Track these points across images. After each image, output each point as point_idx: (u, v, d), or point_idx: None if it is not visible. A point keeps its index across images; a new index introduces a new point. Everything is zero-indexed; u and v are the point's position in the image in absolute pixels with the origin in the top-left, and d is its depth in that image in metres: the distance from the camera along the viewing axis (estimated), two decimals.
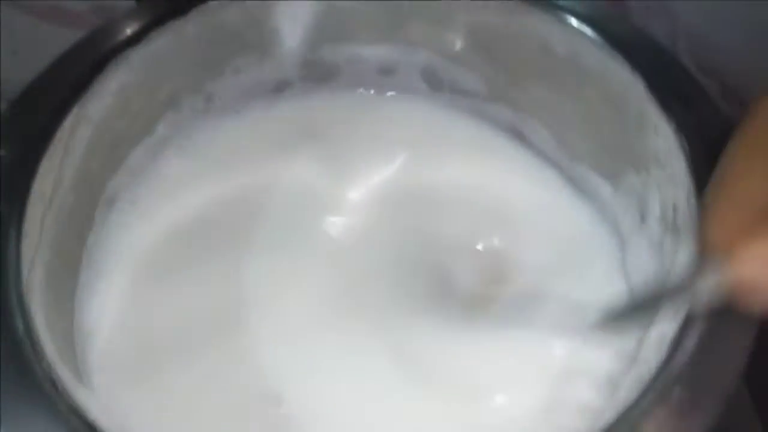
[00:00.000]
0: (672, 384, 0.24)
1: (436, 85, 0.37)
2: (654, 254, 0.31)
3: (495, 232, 0.33)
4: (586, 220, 0.34)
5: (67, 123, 0.30)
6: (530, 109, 0.36)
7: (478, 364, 0.29)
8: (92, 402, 0.24)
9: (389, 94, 0.38)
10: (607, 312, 0.26)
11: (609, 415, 0.23)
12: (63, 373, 0.24)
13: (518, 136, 0.36)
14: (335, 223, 0.34)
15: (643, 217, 0.32)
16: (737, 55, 0.44)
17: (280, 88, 0.37)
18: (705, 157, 0.29)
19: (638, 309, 0.26)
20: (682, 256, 0.28)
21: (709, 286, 0.22)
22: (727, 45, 0.43)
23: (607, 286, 0.32)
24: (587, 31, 0.32)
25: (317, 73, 0.37)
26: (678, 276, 0.27)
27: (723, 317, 0.25)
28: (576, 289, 0.31)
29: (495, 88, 0.36)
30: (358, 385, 0.30)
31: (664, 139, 0.30)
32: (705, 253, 0.23)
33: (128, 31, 0.32)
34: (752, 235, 0.21)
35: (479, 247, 0.33)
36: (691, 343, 0.25)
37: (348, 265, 0.33)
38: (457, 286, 0.32)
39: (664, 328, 0.26)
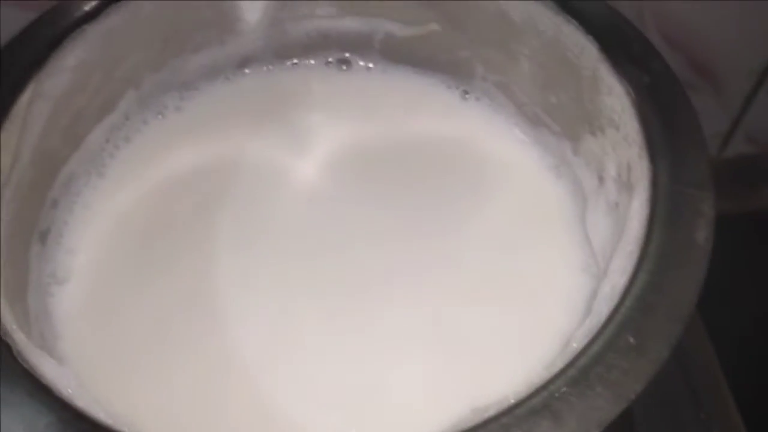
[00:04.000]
0: (621, 332, 0.24)
1: (395, 54, 0.38)
2: (610, 214, 0.31)
3: (459, 181, 0.34)
4: (551, 179, 0.35)
5: (24, 98, 0.30)
6: (490, 73, 0.36)
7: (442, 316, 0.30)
8: (49, 365, 0.24)
9: (350, 64, 0.38)
10: None
11: (560, 362, 0.24)
12: (19, 337, 0.24)
13: (478, 98, 0.37)
14: (301, 193, 0.34)
15: (601, 179, 0.33)
16: (704, 29, 0.44)
17: (242, 64, 0.37)
18: (656, 116, 0.29)
19: None
20: (635, 212, 0.28)
21: None
22: (693, 19, 0.44)
23: (568, 243, 0.32)
24: None
25: (278, 48, 0.37)
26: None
27: (670, 269, 0.25)
28: (539, 244, 0.32)
29: (453, 54, 0.37)
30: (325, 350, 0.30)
31: (617, 100, 0.31)
32: None
33: (85, 7, 0.32)
34: None
35: (445, 198, 0.34)
36: (640, 293, 0.25)
37: (315, 234, 0.33)
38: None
39: (615, 281, 0.27)
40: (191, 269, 0.32)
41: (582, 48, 0.32)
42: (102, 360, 0.29)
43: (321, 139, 0.36)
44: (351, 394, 0.28)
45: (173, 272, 0.32)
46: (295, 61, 0.38)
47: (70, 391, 0.23)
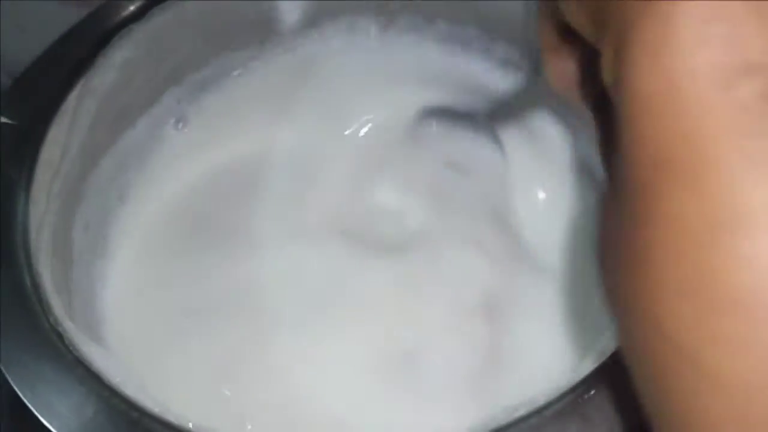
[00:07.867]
0: None
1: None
2: None
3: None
4: None
5: (74, 95, 0.31)
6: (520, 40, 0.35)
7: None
8: (97, 353, 0.25)
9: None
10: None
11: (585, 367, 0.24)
12: (69, 326, 0.25)
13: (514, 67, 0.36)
14: (340, 169, 0.35)
15: None
16: None
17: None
18: None
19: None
20: None
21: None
22: None
23: None
24: None
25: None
26: None
27: None
28: None
29: (485, 21, 0.36)
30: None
31: None
32: None
33: (132, 7, 0.33)
34: None
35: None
36: None
37: (353, 222, 0.34)
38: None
39: None
40: (230, 258, 0.33)
41: None
42: (141, 343, 0.30)
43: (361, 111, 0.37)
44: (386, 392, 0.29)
45: (212, 261, 0.33)
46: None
47: (118, 379, 0.24)
